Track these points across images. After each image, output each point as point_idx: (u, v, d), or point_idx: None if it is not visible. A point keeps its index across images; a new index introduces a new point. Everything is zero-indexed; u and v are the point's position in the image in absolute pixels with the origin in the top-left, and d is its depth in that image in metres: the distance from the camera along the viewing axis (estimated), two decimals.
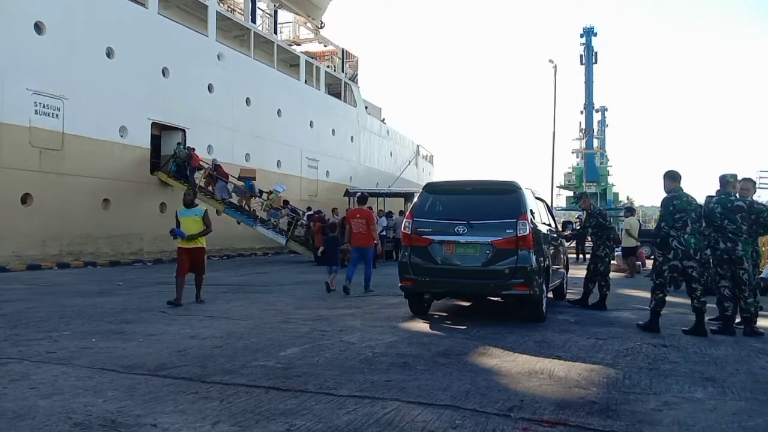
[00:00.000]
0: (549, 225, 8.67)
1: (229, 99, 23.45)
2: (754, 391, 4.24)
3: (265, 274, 15.00)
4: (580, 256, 22.14)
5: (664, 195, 6.72)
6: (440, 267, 7.20)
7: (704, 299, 6.62)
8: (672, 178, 6.74)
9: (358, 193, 12.49)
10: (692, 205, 6.63)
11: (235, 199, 19.76)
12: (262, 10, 30.29)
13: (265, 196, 19.94)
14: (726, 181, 6.88)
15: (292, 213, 20.09)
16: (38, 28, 16.15)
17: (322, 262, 18.93)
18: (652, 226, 43.52)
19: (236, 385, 4.24)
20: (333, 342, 5.87)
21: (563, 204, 58.49)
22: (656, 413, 3.67)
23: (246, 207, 19.88)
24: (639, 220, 17.07)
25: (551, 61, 32.16)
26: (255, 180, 20.10)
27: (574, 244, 15.00)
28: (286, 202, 20.36)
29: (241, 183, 19.88)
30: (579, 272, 12.45)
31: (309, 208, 21.74)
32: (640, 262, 16.60)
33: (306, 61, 29.60)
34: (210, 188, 19.42)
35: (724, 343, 6.05)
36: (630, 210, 16.67)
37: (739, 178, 7.13)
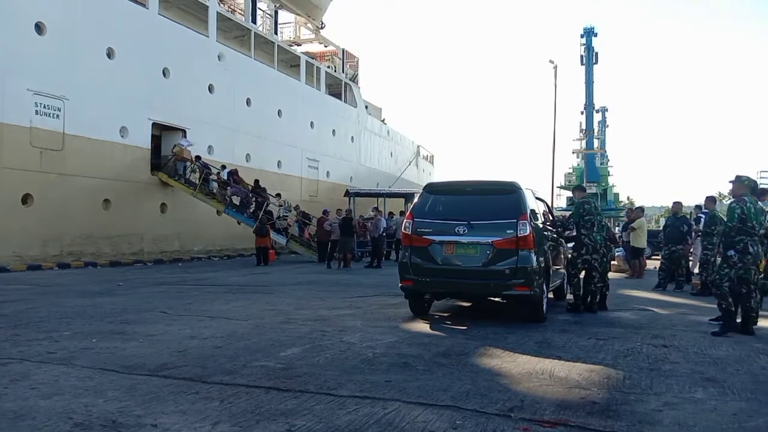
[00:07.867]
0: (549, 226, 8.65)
1: (230, 99, 23.47)
2: (755, 391, 4.24)
3: (265, 274, 14.99)
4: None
5: (577, 201, 8.46)
6: (441, 267, 7.20)
7: (600, 284, 8.31)
8: (581, 189, 8.96)
9: None
10: (598, 210, 8.32)
11: None
12: (263, 11, 30.28)
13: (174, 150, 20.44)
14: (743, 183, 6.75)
15: (203, 167, 20.34)
16: (39, 28, 16.16)
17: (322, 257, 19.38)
18: (653, 226, 43.67)
19: (237, 385, 4.23)
20: (333, 342, 5.86)
21: (563, 204, 58.45)
22: (657, 413, 3.67)
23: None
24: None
25: (552, 62, 32.12)
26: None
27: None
28: (198, 158, 20.56)
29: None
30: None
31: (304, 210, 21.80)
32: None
33: (306, 61, 29.61)
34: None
35: (724, 343, 6.05)
36: (640, 210, 16.52)
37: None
